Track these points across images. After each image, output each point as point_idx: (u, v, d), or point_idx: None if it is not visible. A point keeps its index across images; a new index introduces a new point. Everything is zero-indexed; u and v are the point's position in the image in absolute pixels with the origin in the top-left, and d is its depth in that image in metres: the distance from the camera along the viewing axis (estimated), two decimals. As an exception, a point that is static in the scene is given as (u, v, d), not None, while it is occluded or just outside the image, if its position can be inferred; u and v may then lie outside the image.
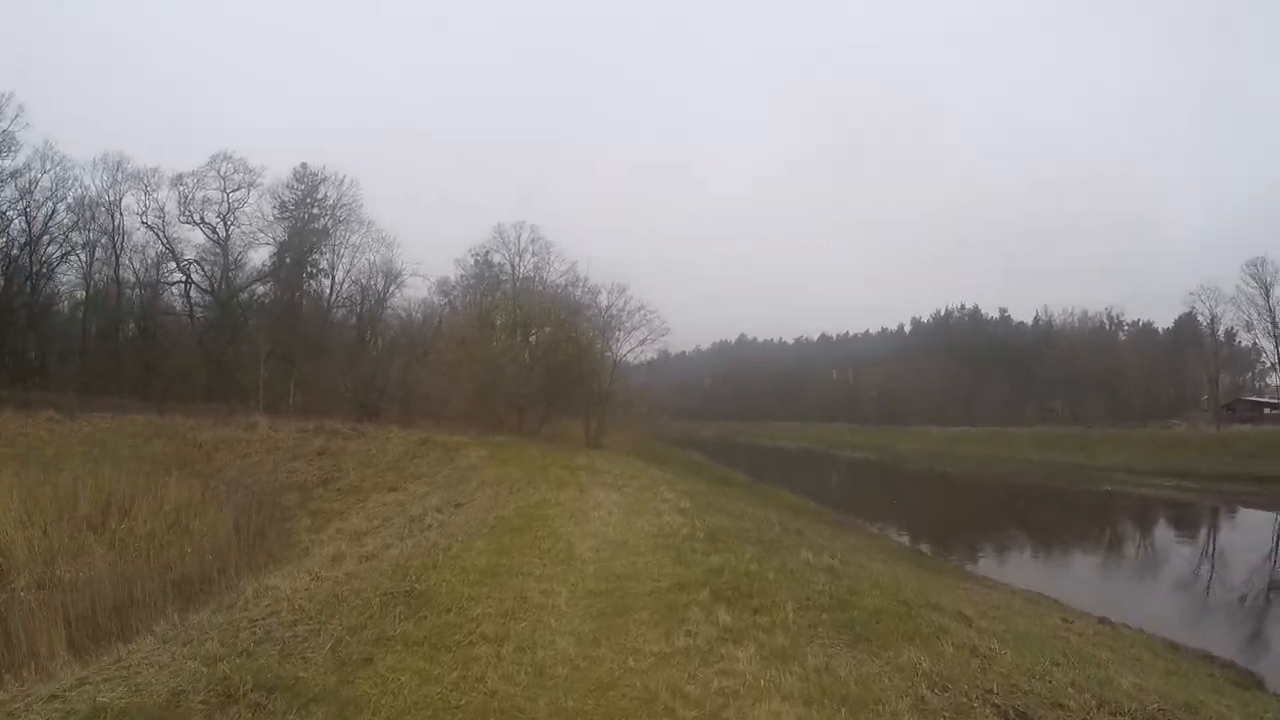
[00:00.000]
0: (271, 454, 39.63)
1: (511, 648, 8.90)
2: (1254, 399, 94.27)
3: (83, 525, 25.12)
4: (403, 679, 7.97)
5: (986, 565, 31.82)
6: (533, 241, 60.95)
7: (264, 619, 10.40)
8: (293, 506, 31.44)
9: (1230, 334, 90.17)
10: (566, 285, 55.23)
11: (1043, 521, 46.63)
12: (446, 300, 64.31)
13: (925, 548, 34.99)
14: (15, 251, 58.05)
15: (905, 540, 36.68)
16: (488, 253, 62.97)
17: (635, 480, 26.86)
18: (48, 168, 57.40)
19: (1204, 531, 43.74)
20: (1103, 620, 20.82)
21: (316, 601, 10.82)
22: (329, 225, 65.16)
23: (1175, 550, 37.65)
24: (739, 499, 33.04)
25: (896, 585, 14.03)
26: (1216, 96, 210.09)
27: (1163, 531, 43.63)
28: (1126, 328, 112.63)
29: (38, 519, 24.71)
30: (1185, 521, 46.99)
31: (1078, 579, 30.10)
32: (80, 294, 63.20)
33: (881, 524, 41.70)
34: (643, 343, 49.70)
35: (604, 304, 50.30)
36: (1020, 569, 31.26)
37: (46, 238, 58.65)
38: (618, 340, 49.48)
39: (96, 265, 61.62)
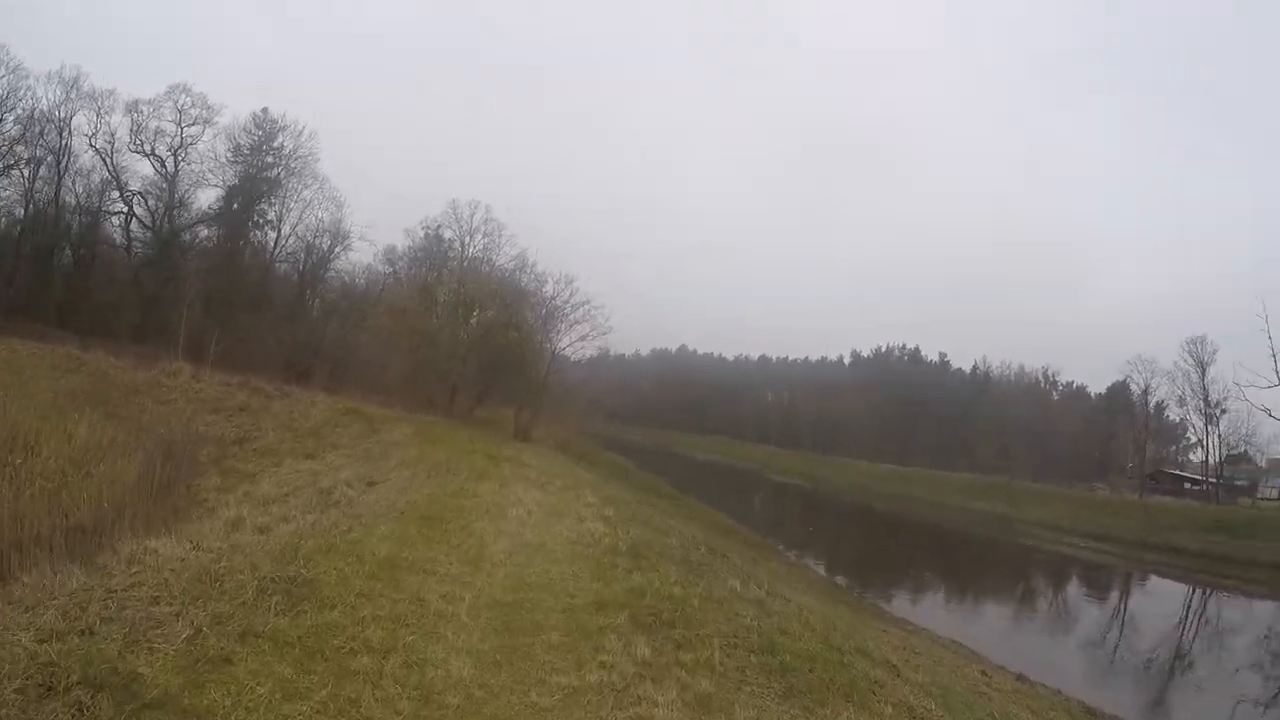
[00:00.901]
0: (191, 404, 37.77)
1: (398, 663, 7.63)
2: (1176, 472, 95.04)
3: None
4: (261, 690, 6.66)
5: (905, 607, 31.23)
6: (485, 222, 59.31)
7: (124, 590, 9.02)
8: (205, 462, 30.01)
9: (1160, 406, 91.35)
10: (514, 270, 54.11)
11: (963, 568, 46.47)
12: (392, 270, 62.58)
13: (845, 581, 34.51)
14: (-47, 158, 54.65)
15: (824, 572, 36.07)
16: (439, 227, 61.29)
17: (560, 479, 25.75)
18: (1, 73, 54.56)
19: (1118, 595, 43.87)
20: (1020, 677, 20.20)
21: (187, 576, 9.43)
22: (281, 175, 62.81)
23: (1089, 611, 37.62)
24: (664, 512, 32.07)
25: (826, 626, 13.00)
26: (1168, 183, 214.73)
27: (1079, 591, 43.63)
28: (1060, 388, 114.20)
29: None
30: (1101, 583, 47.09)
31: (995, 630, 29.78)
32: (19, 211, 59.71)
33: (802, 551, 41.21)
34: (584, 338, 48.88)
35: (549, 293, 49.32)
36: (938, 614, 30.78)
37: None
38: (559, 332, 48.41)
39: (39, 184, 58.42)
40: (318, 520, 13.98)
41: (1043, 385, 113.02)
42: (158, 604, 8.49)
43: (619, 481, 42.32)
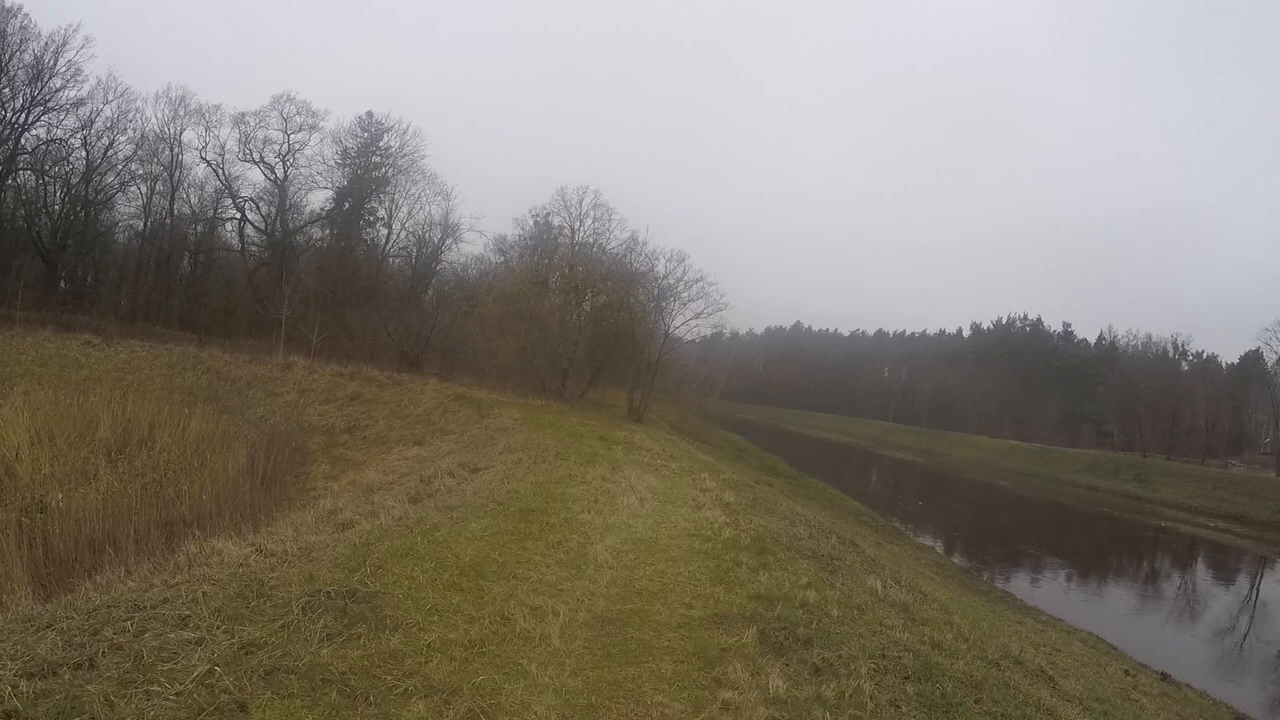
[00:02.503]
0: (303, 395, 37.30)
1: (461, 712, 5.62)
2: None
3: (100, 451, 23.48)
4: (268, 758, 4.76)
5: (1034, 592, 28.66)
6: (594, 206, 57.78)
7: (154, 605, 7.37)
8: (316, 451, 29.61)
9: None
10: (625, 253, 52.08)
11: (1092, 551, 42.99)
12: (503, 259, 61.81)
13: (970, 565, 32.09)
14: (75, 180, 56.44)
15: (946, 553, 33.67)
16: (548, 215, 60.39)
17: (675, 462, 23.86)
18: (110, 99, 55.88)
19: (1256, 582, 39.77)
20: (1165, 676, 18.03)
21: (231, 589, 7.69)
22: (390, 174, 63.47)
23: (1226, 600, 34.05)
24: (784, 493, 29.99)
25: (978, 634, 10.78)
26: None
27: (1216, 578, 39.81)
28: (1190, 358, 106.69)
29: (57, 440, 23.18)
30: (1238, 569, 42.94)
31: (1129, 620, 27.19)
32: (138, 225, 62.12)
33: (927, 533, 38.78)
34: (699, 315, 46.60)
35: (661, 271, 47.06)
36: (1069, 601, 28.20)
37: (105, 167, 56.97)
38: (672, 311, 46.27)
39: (155, 199, 60.66)
40: (405, 514, 12.25)
41: (1172, 355, 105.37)
42: (184, 626, 6.78)
43: (736, 461, 40.57)
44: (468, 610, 7.58)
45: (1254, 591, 37.15)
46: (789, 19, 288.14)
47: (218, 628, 6.66)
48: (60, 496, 18.06)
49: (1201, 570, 41.80)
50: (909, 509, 48.20)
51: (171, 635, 6.49)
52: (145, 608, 7.36)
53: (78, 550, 14.88)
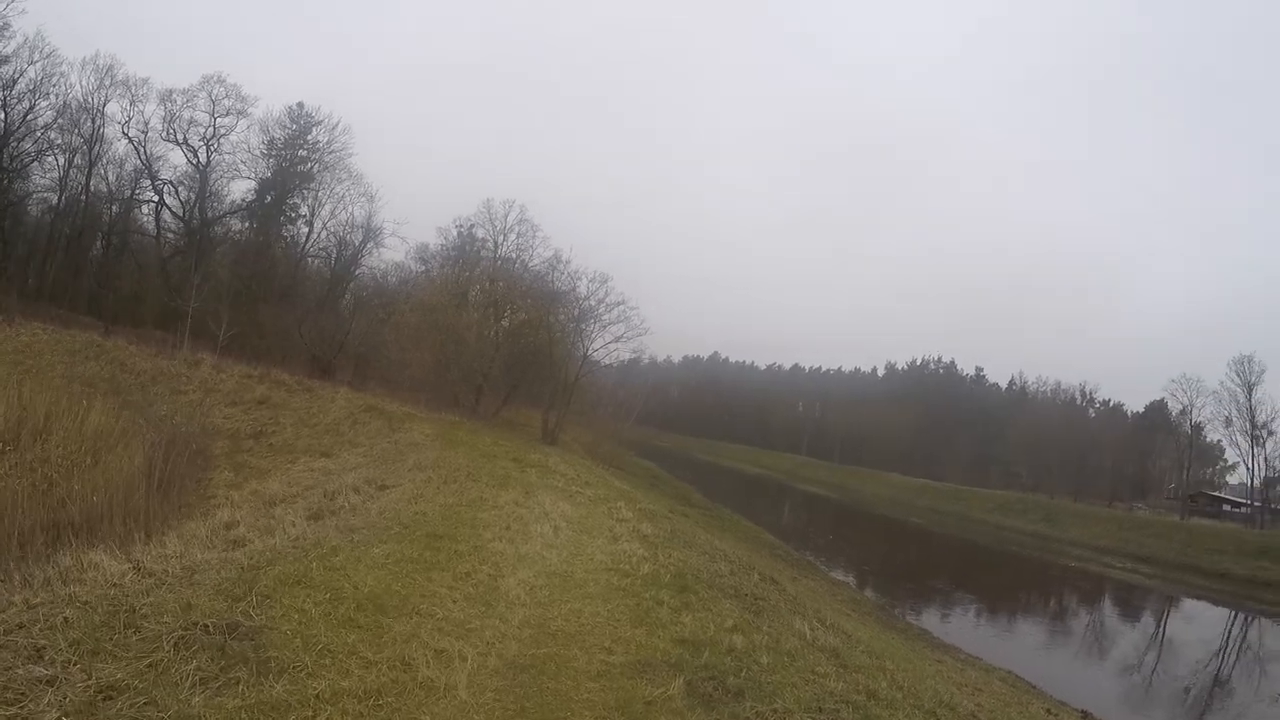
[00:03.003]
0: (209, 395, 35.66)
1: (350, 782, 4.89)
2: (1216, 494, 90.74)
3: None
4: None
5: (952, 630, 28.56)
6: (519, 221, 57.10)
7: (9, 630, 6.52)
8: (220, 456, 28.29)
9: (1198, 427, 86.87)
10: (548, 271, 51.30)
11: (1004, 588, 43.56)
12: (424, 268, 60.38)
13: (886, 601, 31.93)
14: (-10, 143, 53.03)
15: (867, 591, 33.47)
16: (472, 226, 59.25)
17: (590, 488, 23.21)
18: (35, 59, 52.57)
19: (1161, 619, 40.68)
20: (1084, 715, 18.26)
21: (96, 616, 6.82)
22: (315, 169, 61.04)
23: (1131, 635, 35.12)
24: (702, 525, 29.53)
25: (910, 678, 10.41)
26: (1206, 201, 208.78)
27: (1125, 615, 40.64)
28: (1097, 405, 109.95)
29: None
30: (1144, 606, 43.97)
31: (1046, 658, 27.33)
32: (53, 199, 58.41)
33: (841, 568, 38.61)
34: (618, 339, 46.02)
35: (583, 292, 46.38)
36: (987, 639, 28.19)
37: (23, 131, 53.53)
38: (592, 333, 45.60)
39: (73, 173, 56.96)
40: (303, 534, 11.33)
41: (1079, 402, 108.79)
42: (38, 659, 5.96)
43: (650, 489, 40.05)
44: (364, 652, 6.79)
45: (1161, 629, 38.07)
46: (709, 56, 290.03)
47: (75, 664, 5.84)
48: None
49: (1110, 608, 42.64)
50: (822, 543, 48.11)
51: (21, 671, 5.68)
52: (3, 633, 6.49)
53: None
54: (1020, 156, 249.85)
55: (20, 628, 6.56)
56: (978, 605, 35.83)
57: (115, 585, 8.14)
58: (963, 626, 30.27)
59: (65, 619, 6.73)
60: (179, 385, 36.51)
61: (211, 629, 6.68)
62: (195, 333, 43.97)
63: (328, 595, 8.06)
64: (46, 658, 5.96)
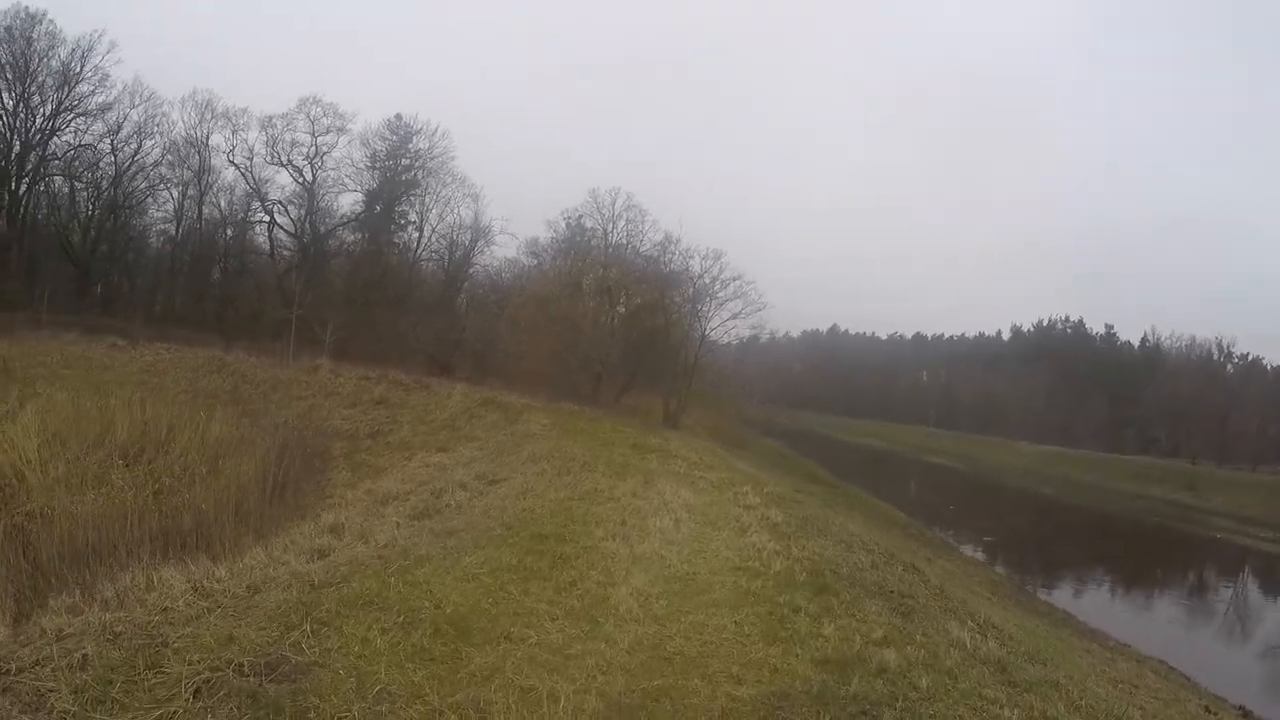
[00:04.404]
0: (328, 399, 35.40)
1: None
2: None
3: (115, 454, 21.67)
4: None
5: (1096, 613, 25.93)
6: (627, 208, 55.25)
7: (20, 670, 5.43)
8: (338, 456, 27.65)
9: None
10: (659, 255, 49.71)
11: (1147, 565, 40.24)
12: (536, 261, 59.52)
13: (1027, 582, 29.61)
14: (105, 185, 54.91)
15: (1004, 570, 31.29)
16: (580, 217, 57.76)
17: (714, 472, 21.67)
18: (137, 103, 53.92)
19: None
20: (1245, 712, 16.50)
21: (115, 654, 5.56)
22: (419, 176, 60.79)
23: None
24: (831, 505, 27.79)
25: (1085, 695, 8.56)
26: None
27: (1275, 592, 37.07)
28: (1236, 361, 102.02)
29: (72, 444, 21.43)
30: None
31: (1198, 645, 24.87)
32: (171, 229, 60.03)
33: (975, 545, 36.38)
34: (736, 316, 44.35)
35: (696, 270, 44.78)
36: (1133, 624, 25.61)
37: (134, 170, 55.26)
38: (709, 312, 44.01)
39: (186, 203, 58.52)
40: (393, 539, 10.05)
41: (1217, 357, 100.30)
42: (37, 709, 4.79)
43: (775, 469, 38.51)
44: (430, 697, 5.32)
45: None
46: (822, 29, 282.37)
47: (72, 716, 4.54)
48: (68, 502, 16.40)
49: (1262, 587, 39.09)
50: (952, 518, 45.50)
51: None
52: (8, 672, 5.31)
53: (63, 563, 13.37)
54: (1139, 109, 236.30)
55: (36, 665, 5.50)
56: (1121, 585, 33.29)
57: (164, 610, 7.02)
58: (1103, 607, 27.92)
59: (84, 656, 5.53)
60: (298, 392, 36.42)
61: (247, 669, 5.37)
62: (311, 340, 43.94)
63: (401, 618, 6.66)
64: (46, 707, 4.76)
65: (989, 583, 25.34)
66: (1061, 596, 28.31)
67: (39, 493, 17.78)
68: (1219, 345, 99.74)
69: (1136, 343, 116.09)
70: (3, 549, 13.24)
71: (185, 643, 5.81)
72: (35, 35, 50.15)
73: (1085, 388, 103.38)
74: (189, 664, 5.38)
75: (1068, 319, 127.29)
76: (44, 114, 51.46)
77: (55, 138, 52.42)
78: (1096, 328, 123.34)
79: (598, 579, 8.84)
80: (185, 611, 6.93)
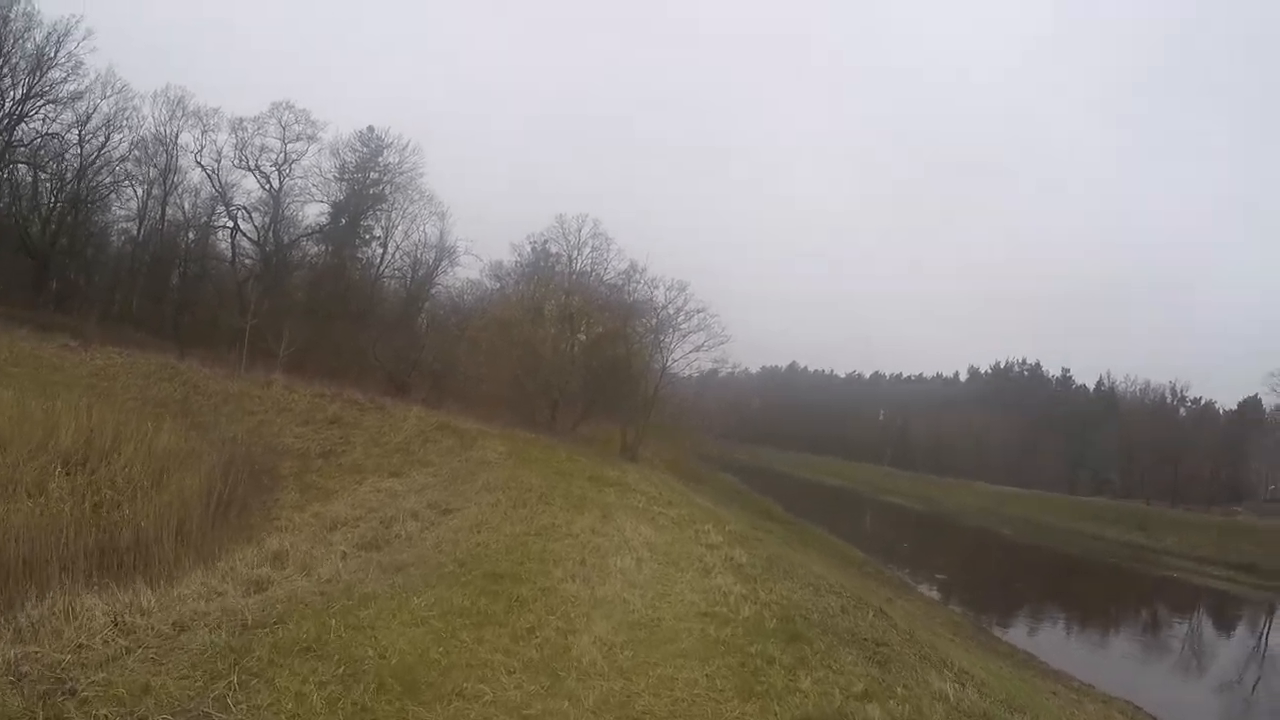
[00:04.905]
0: (281, 415, 34.43)
1: None
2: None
3: (57, 461, 20.64)
4: None
5: (1058, 652, 26.19)
6: (593, 235, 54.79)
7: None
8: (287, 475, 26.62)
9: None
10: (624, 284, 49.44)
11: (1105, 604, 40.87)
12: (499, 285, 58.89)
13: (987, 622, 29.79)
14: (69, 176, 53.28)
15: (965, 610, 31.33)
16: (546, 242, 57.20)
17: (674, 508, 21.10)
18: (108, 94, 52.41)
19: (1266, 632, 37.64)
20: None
21: (17, 701, 4.86)
22: (387, 191, 60.27)
23: (1247, 656, 32.16)
24: (789, 543, 27.46)
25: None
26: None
27: (1234, 632, 37.78)
28: (1188, 404, 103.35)
29: (13, 448, 20.40)
30: (1255, 623, 40.59)
31: (1161, 683, 25.51)
32: (132, 228, 58.51)
33: (934, 585, 36.59)
34: (699, 348, 44.03)
35: (660, 300, 44.46)
36: (1095, 663, 25.87)
37: (99, 164, 53.64)
38: (671, 344, 43.67)
39: (150, 202, 57.00)
40: (336, 574, 9.35)
41: (1170, 401, 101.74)
42: None
43: (733, 504, 38.46)
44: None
45: (1263, 642, 35.50)
46: (788, 61, 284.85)
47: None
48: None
49: (1217, 624, 40.07)
50: (910, 558, 45.72)
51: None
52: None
53: None
54: (1102, 154, 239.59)
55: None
56: (1075, 621, 33.90)
57: (78, 648, 6.31)
58: (1063, 646, 28.28)
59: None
60: (250, 406, 35.39)
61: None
62: (263, 351, 42.96)
63: (341, 670, 5.98)
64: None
65: (950, 623, 25.32)
66: (1021, 636, 28.49)
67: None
68: (1172, 390, 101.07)
69: (1092, 386, 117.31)
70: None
71: (95, 691, 5.14)
72: (12, 15, 48.69)
73: (1041, 430, 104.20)
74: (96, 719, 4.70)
75: (1024, 362, 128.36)
76: (13, 98, 49.94)
77: (23, 124, 50.88)
78: (1053, 371, 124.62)
79: (557, 625, 8.17)
80: (102, 651, 6.24)
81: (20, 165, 52.69)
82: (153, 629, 6.87)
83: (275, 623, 6.96)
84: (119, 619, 7.19)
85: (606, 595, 9.77)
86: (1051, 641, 28.66)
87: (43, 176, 53.46)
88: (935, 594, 33.99)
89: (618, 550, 12.73)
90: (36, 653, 6.20)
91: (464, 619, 7.83)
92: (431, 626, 7.42)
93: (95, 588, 9.58)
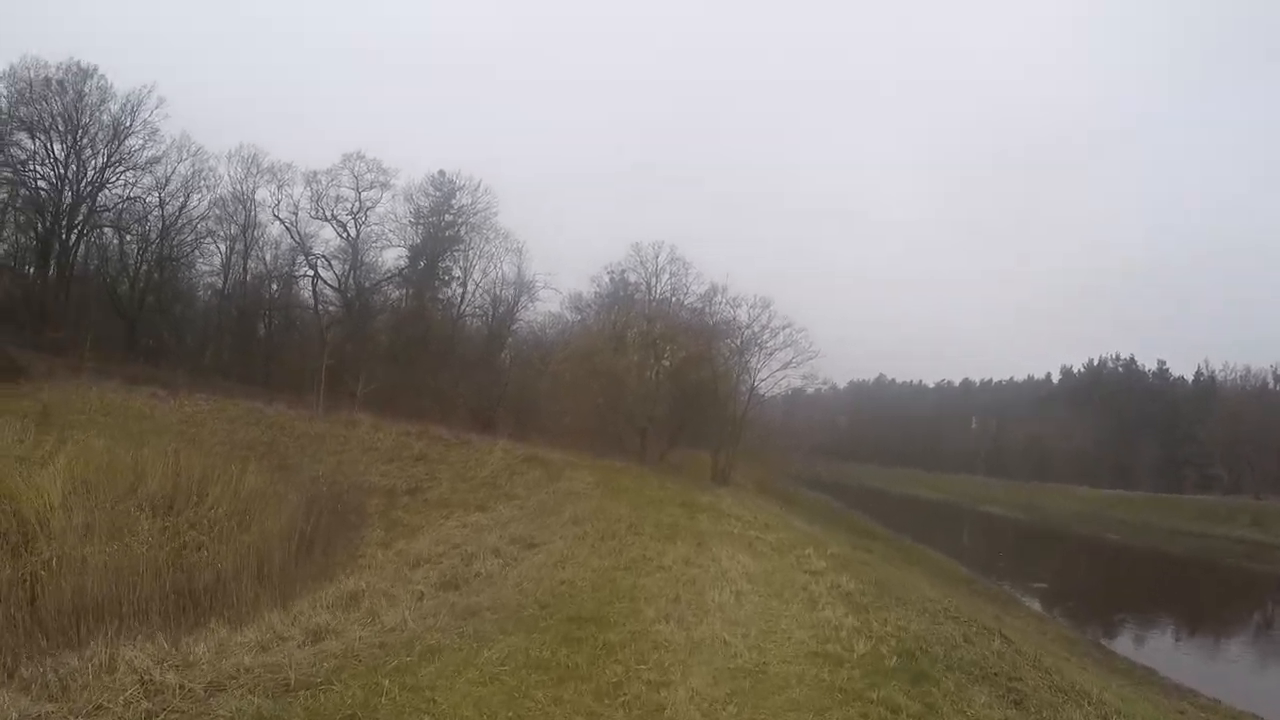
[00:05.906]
0: (366, 454, 34.45)
1: None
2: None
3: (145, 505, 20.55)
4: None
5: (1180, 665, 24.11)
6: (670, 261, 54.16)
7: None
8: (374, 514, 26.35)
9: None
10: (704, 306, 48.68)
11: (1224, 609, 38.41)
12: (580, 317, 58.62)
13: (1102, 636, 27.76)
14: (153, 237, 55.53)
15: (1078, 625, 29.21)
16: (624, 271, 56.66)
17: (772, 533, 19.88)
18: (184, 157, 54.74)
19: None
20: None
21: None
22: (463, 232, 60.95)
23: None
24: (892, 562, 26.10)
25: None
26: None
27: None
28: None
29: (102, 492, 20.34)
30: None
31: None
32: (218, 283, 60.70)
33: (1040, 598, 34.52)
34: (786, 365, 42.98)
35: (744, 319, 43.65)
36: (1221, 674, 23.84)
37: (181, 223, 56.12)
38: (757, 364, 43.01)
39: (233, 257, 59.30)
40: (402, 622, 8.32)
41: (1272, 385, 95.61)
42: None
43: (830, 525, 37.03)
44: None
45: None
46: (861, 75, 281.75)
47: None
48: (85, 552, 15.21)
49: None
50: (1016, 570, 43.33)
51: None
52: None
53: (63, 618, 12.51)
54: (1168, 127, 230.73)
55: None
56: (1192, 630, 31.48)
57: (95, 710, 5.43)
58: (1192, 660, 25.96)
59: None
60: (335, 446, 35.45)
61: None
62: (347, 394, 43.14)
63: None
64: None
65: (1063, 639, 23.77)
66: (1134, 647, 26.75)
67: (59, 541, 16.75)
68: (1275, 374, 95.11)
69: (1190, 377, 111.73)
70: (10, 597, 12.67)
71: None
72: (87, 89, 50.98)
73: (1139, 427, 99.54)
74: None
75: (1118, 357, 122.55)
76: (95, 166, 52.23)
77: (105, 190, 53.20)
78: (1149, 364, 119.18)
79: (648, 677, 6.96)
80: (119, 715, 5.34)
81: (106, 229, 55.41)
82: (183, 689, 5.98)
83: (321, 683, 5.96)
84: (148, 677, 6.30)
85: (704, 637, 8.54)
86: (1169, 654, 26.40)
87: (128, 239, 55.84)
88: (1044, 608, 32.07)
89: (715, 583, 11.52)
90: (51, 712, 5.50)
91: (541, 674, 6.72)
92: (502, 684, 6.33)
93: (163, 631, 9.32)
